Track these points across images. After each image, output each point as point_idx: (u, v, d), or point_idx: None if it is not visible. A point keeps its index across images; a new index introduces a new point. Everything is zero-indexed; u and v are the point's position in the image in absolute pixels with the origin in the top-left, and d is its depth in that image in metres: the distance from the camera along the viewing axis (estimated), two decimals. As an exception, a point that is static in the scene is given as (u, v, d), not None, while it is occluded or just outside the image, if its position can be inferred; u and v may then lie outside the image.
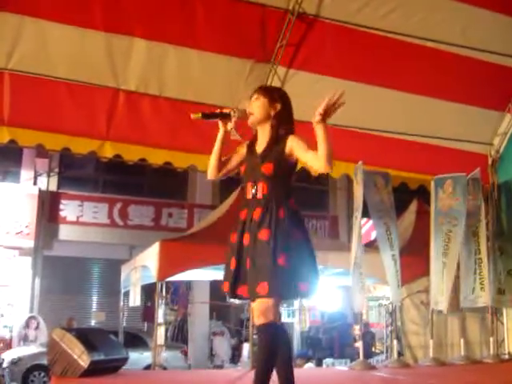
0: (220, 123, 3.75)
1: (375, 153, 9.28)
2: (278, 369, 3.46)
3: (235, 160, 3.88)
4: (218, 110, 3.74)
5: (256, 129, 3.82)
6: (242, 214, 3.66)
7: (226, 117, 3.72)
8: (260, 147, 3.75)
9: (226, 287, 3.64)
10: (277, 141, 3.67)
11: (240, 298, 3.66)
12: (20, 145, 8.28)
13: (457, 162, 9.49)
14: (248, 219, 3.60)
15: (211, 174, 3.86)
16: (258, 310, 3.43)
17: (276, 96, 3.80)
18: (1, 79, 7.69)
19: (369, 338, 14.82)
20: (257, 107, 3.74)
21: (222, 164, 3.85)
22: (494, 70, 8.99)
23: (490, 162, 10.13)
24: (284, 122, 3.75)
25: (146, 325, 16.38)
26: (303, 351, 15.88)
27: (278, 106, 3.74)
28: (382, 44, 8.47)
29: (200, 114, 3.67)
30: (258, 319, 3.45)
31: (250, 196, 3.66)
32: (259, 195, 3.61)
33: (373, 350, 14.75)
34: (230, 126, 3.75)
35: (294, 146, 3.59)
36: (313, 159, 3.48)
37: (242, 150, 3.88)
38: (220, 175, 3.87)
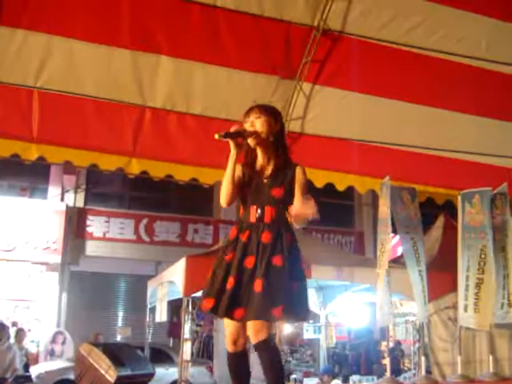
0: (232, 144, 3.60)
1: (401, 168, 9.24)
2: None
3: (238, 182, 3.73)
4: (233, 129, 3.58)
5: (254, 148, 3.72)
6: (243, 237, 3.57)
7: (243, 135, 3.62)
8: (265, 169, 3.71)
9: (208, 304, 3.49)
10: (285, 164, 3.69)
11: (231, 318, 3.50)
12: (48, 161, 8.38)
13: (484, 176, 9.41)
14: (253, 242, 3.54)
15: (228, 200, 3.67)
16: (255, 329, 3.43)
17: (276, 114, 3.78)
18: (30, 97, 7.81)
19: (397, 353, 14.70)
20: (262, 126, 3.66)
21: (236, 188, 3.69)
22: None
23: (517, 176, 10.01)
24: (284, 140, 3.78)
25: (171, 340, 16.41)
26: (329, 367, 15.77)
27: (279, 125, 3.73)
28: (407, 59, 8.46)
29: (223, 134, 3.54)
30: (255, 337, 3.43)
31: (253, 219, 3.61)
32: (266, 219, 3.59)
33: (401, 366, 14.61)
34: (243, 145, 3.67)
35: (298, 179, 3.64)
36: (295, 204, 3.55)
37: (238, 171, 3.72)
38: (234, 201, 3.70)
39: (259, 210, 3.61)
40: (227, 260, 3.56)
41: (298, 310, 3.53)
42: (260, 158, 3.74)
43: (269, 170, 3.69)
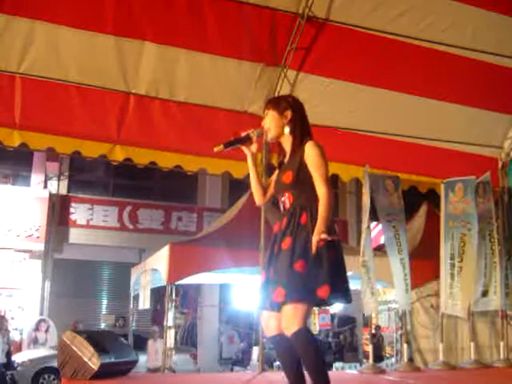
0: (244, 148, 3.74)
1: (384, 156, 9.26)
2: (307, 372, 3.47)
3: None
4: (235, 137, 3.73)
5: (280, 142, 3.80)
6: (275, 228, 3.68)
7: (246, 140, 3.72)
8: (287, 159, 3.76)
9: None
10: (298, 148, 3.66)
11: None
12: (31, 148, 8.30)
13: (467, 165, 9.46)
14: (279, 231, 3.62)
15: (258, 200, 3.86)
16: (287, 317, 3.42)
17: (284, 105, 3.77)
18: (12, 83, 7.73)
19: (379, 338, 14.82)
20: (269, 122, 3.74)
21: (264, 187, 3.84)
22: (505, 73, 8.95)
23: (500, 165, 10.06)
24: (299, 126, 3.72)
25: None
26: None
27: (289, 114, 3.72)
28: (392, 47, 8.45)
29: (222, 146, 3.66)
30: (290, 328, 3.39)
31: (282, 209, 3.68)
32: (287, 205, 3.63)
33: (382, 353, 14.71)
34: (255, 147, 3.75)
35: (307, 156, 3.59)
36: (318, 190, 3.56)
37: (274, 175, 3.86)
38: (268, 199, 3.85)
39: (283, 199, 3.67)
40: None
41: (304, 290, 3.44)
42: (286, 151, 3.79)
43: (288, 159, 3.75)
